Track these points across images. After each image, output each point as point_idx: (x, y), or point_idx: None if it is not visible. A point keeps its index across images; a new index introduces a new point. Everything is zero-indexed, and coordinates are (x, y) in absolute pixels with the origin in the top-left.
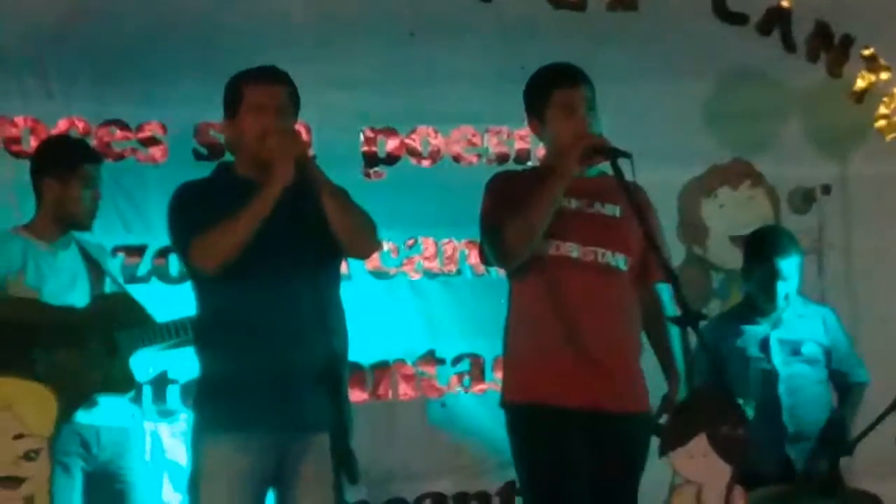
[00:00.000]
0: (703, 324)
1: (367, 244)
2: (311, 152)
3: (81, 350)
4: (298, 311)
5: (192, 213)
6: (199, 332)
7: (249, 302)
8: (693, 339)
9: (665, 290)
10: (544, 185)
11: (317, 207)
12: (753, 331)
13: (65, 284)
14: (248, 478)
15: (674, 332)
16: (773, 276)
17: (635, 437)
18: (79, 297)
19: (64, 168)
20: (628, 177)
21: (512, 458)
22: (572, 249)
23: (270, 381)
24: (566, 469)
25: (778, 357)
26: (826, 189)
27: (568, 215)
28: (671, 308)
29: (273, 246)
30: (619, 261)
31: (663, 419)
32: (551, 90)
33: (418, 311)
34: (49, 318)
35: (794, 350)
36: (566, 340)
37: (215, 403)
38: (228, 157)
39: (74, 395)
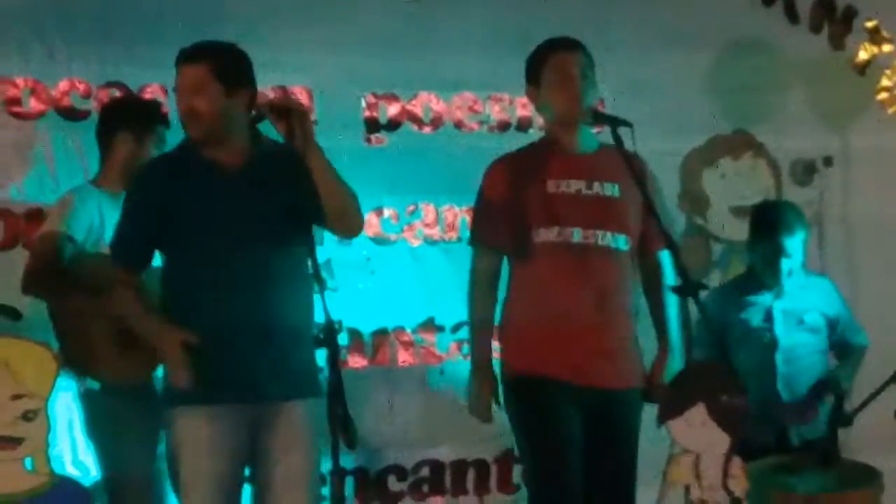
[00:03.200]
0: (704, 294)
1: (355, 219)
2: (313, 117)
3: None
4: (266, 283)
5: (127, 210)
6: (164, 305)
7: (215, 276)
8: (694, 309)
9: (667, 259)
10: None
11: (289, 178)
12: (756, 301)
13: None
14: (223, 447)
15: (671, 302)
16: (777, 252)
17: (629, 412)
18: None
19: (141, 125)
20: (629, 146)
21: (511, 427)
22: (574, 234)
23: (237, 353)
24: (564, 437)
25: (781, 327)
26: (827, 161)
27: (568, 198)
28: (671, 277)
29: (240, 219)
30: (620, 241)
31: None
32: (548, 54)
33: (418, 278)
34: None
35: (798, 320)
36: (565, 320)
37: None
38: None
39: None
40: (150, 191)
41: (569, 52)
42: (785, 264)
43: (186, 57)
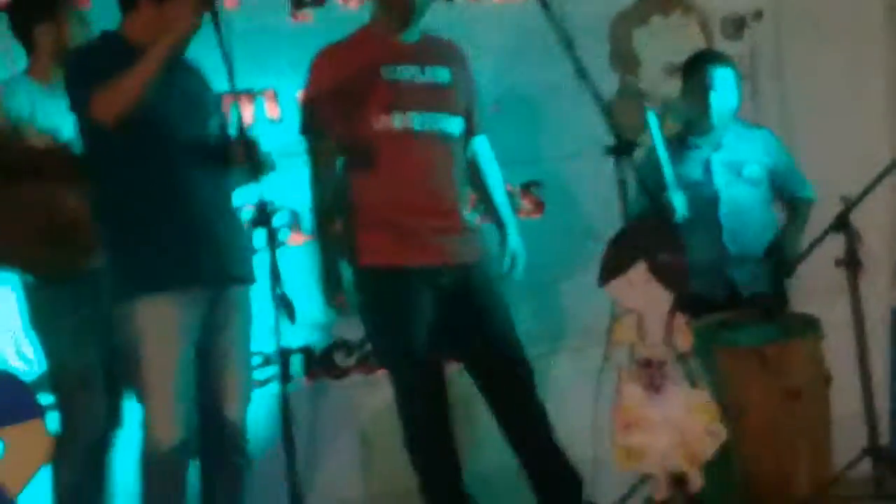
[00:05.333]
0: (640, 153)
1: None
2: None
3: None
4: (216, 169)
5: (90, 71)
6: (110, 193)
7: (168, 160)
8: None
9: (484, 142)
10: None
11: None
12: (694, 155)
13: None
14: (189, 332)
15: (498, 183)
16: (704, 87)
17: (477, 283)
18: None
19: (52, 9)
20: (555, 10)
21: (362, 319)
22: (413, 119)
23: (195, 238)
24: (407, 319)
25: (721, 179)
26: (757, 14)
27: (404, 85)
28: (493, 159)
29: (193, 102)
30: (454, 124)
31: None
32: None
33: None
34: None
35: (737, 171)
36: (409, 205)
37: (143, 262)
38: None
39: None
40: (96, 61)
41: None
42: (714, 99)
43: None
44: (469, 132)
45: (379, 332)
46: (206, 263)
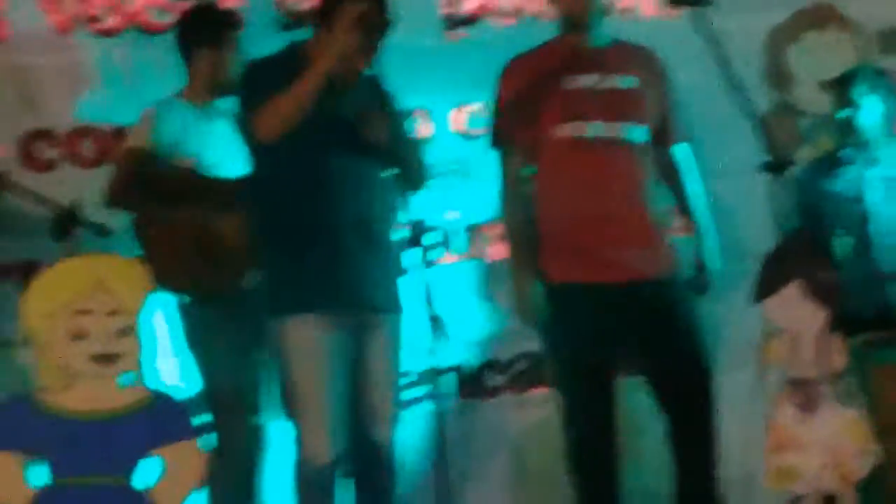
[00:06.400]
0: (796, 169)
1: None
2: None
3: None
4: (368, 196)
5: (257, 86)
6: (266, 214)
7: (318, 183)
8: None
9: (686, 150)
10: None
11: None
12: (848, 171)
13: (222, 153)
14: (333, 352)
15: (696, 194)
16: (856, 103)
17: (667, 300)
18: (233, 167)
19: (215, 35)
20: (707, 26)
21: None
22: (590, 128)
23: (337, 264)
24: (587, 337)
25: (876, 195)
26: None
27: (583, 93)
28: (694, 169)
29: (342, 132)
30: (636, 132)
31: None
32: None
33: None
34: (212, 188)
35: (891, 189)
36: (590, 216)
37: (296, 284)
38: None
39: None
40: (265, 75)
41: None
42: (865, 114)
43: None
44: (664, 140)
45: (557, 349)
46: (346, 291)
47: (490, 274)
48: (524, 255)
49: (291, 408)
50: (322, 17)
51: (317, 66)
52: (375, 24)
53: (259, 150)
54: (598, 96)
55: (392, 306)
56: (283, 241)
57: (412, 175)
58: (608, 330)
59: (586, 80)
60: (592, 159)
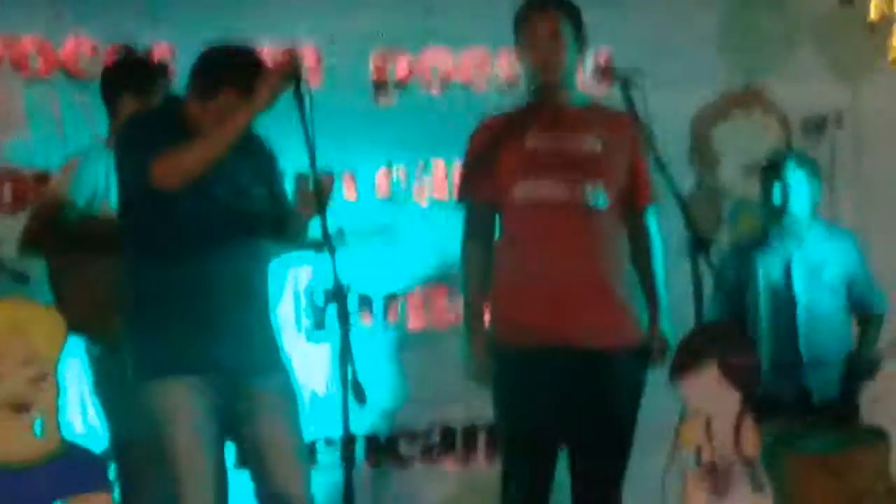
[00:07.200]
0: (718, 253)
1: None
2: (321, 79)
3: None
4: (240, 256)
5: (152, 135)
6: (137, 272)
7: (190, 237)
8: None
9: (654, 214)
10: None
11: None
12: (774, 255)
13: None
14: (199, 416)
15: (658, 261)
16: (783, 186)
17: (622, 371)
18: None
19: (143, 84)
20: (637, 101)
21: (492, 396)
22: (549, 187)
23: (205, 324)
24: (534, 402)
25: (800, 281)
26: (838, 117)
27: (545, 153)
28: (658, 235)
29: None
30: (598, 196)
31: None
32: (522, 14)
33: (428, 238)
34: None
35: (818, 274)
36: (544, 278)
37: (155, 345)
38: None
39: None
40: (156, 126)
41: (540, 14)
42: (792, 199)
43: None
44: (632, 204)
45: (502, 411)
46: (212, 352)
47: (408, 341)
48: (478, 313)
49: (170, 468)
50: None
51: (236, 120)
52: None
53: (133, 200)
54: (559, 156)
55: (271, 366)
56: (148, 299)
57: (290, 232)
58: (555, 396)
59: (548, 140)
60: (550, 220)
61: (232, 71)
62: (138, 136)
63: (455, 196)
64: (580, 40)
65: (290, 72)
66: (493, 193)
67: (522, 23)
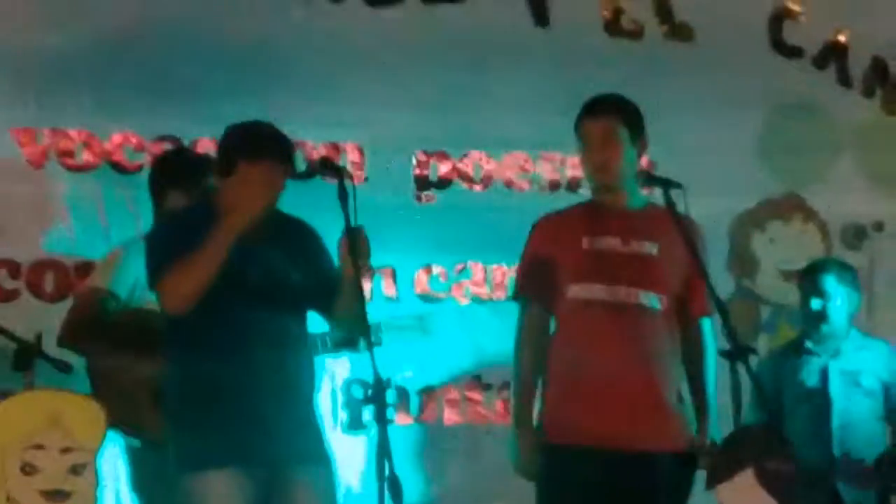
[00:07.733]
0: (757, 359)
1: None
2: (363, 175)
3: None
4: (281, 347)
5: (160, 254)
6: (178, 365)
7: (234, 337)
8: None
9: (709, 326)
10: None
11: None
12: (811, 362)
13: None
14: None
15: (710, 369)
16: (821, 295)
17: (670, 476)
18: None
19: (189, 179)
20: (680, 208)
21: (536, 493)
22: (604, 291)
23: (243, 417)
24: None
25: (837, 388)
26: (878, 226)
27: (600, 255)
28: (713, 344)
29: (264, 282)
30: (652, 300)
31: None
32: (581, 118)
33: (466, 336)
34: None
35: (854, 381)
36: (595, 380)
37: (203, 439)
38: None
39: None
40: (169, 238)
41: (595, 117)
42: (831, 307)
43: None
44: (687, 311)
45: None
46: (254, 445)
47: (443, 438)
48: (528, 409)
49: None
50: (223, 172)
51: (226, 226)
52: (281, 174)
53: None
54: (615, 260)
55: (313, 457)
56: (190, 393)
57: (352, 324)
58: (601, 498)
59: (606, 243)
60: (604, 321)
61: (246, 143)
62: (149, 251)
63: (514, 293)
64: (638, 141)
65: (325, 169)
66: (549, 292)
67: (580, 125)
